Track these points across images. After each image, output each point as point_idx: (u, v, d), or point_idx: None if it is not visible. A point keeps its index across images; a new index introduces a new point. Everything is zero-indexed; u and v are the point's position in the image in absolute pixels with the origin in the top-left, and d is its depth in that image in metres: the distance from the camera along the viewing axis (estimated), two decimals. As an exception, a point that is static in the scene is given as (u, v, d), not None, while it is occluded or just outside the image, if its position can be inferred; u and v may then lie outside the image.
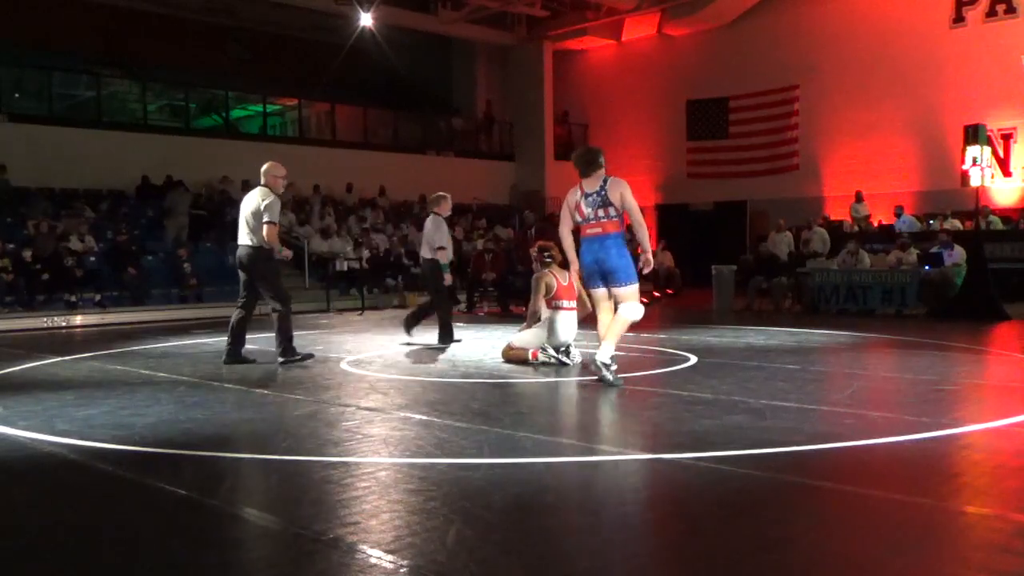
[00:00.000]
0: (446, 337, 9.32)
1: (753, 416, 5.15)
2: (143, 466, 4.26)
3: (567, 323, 7.67)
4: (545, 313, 7.75)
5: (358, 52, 21.36)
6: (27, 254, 13.60)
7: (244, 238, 7.72)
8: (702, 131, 23.42)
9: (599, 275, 6.39)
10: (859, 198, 18.68)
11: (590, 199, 6.33)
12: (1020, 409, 5.38)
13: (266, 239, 7.56)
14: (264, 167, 7.86)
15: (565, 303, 7.71)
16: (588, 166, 6.38)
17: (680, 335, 10.15)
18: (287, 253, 8.09)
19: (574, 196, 6.44)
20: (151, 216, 17.14)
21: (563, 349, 7.52)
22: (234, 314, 7.91)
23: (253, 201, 7.65)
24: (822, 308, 13.64)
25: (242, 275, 7.87)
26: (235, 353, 7.91)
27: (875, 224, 17.86)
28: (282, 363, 7.73)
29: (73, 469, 4.25)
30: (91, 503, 3.72)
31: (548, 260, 7.86)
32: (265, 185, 7.72)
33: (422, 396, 6.16)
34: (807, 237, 16.20)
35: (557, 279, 7.75)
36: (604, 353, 6.27)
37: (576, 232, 6.60)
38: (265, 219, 7.51)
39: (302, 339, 10.45)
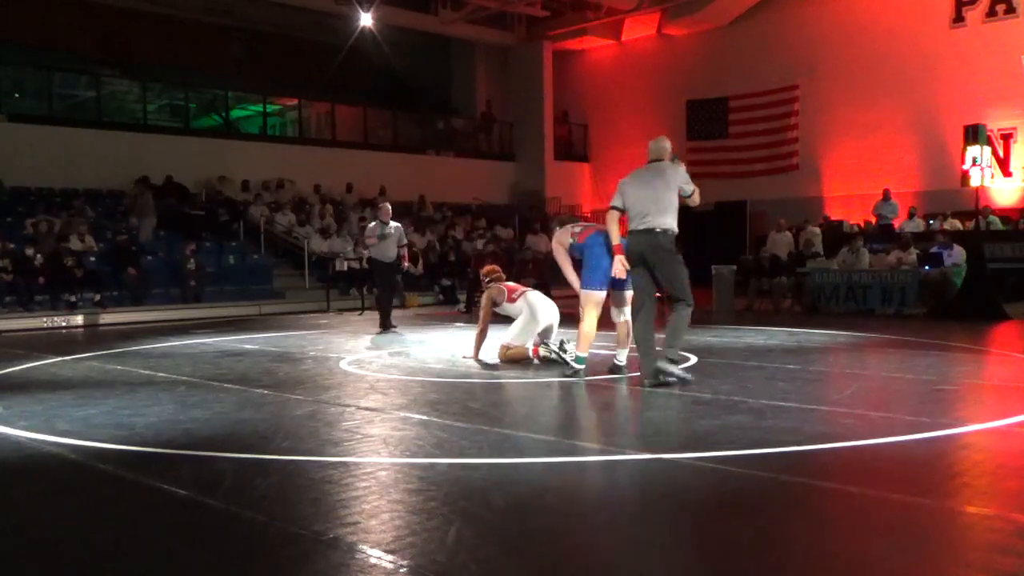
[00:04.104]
0: None
1: (753, 416, 5.15)
2: (143, 466, 4.26)
3: (539, 301, 7.98)
4: (519, 308, 8.00)
5: (358, 52, 21.35)
6: (29, 251, 13.57)
7: (654, 219, 6.28)
8: (702, 131, 23.41)
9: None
10: (887, 196, 17.74)
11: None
12: (1020, 409, 5.38)
13: (698, 200, 6.51)
14: (657, 144, 6.59)
15: (523, 289, 8.20)
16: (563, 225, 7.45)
17: (680, 335, 10.11)
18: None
19: (566, 236, 7.13)
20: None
21: (560, 346, 7.50)
22: (636, 325, 6.47)
23: (658, 174, 6.36)
24: (822, 308, 13.63)
25: (638, 271, 6.46)
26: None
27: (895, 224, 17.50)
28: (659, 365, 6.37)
29: (73, 469, 4.25)
30: (91, 503, 3.72)
31: (490, 284, 8.38)
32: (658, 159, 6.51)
33: (422, 396, 6.16)
34: (808, 237, 16.19)
35: (500, 286, 8.23)
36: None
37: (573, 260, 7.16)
38: (689, 190, 6.42)
39: (300, 339, 10.49)
